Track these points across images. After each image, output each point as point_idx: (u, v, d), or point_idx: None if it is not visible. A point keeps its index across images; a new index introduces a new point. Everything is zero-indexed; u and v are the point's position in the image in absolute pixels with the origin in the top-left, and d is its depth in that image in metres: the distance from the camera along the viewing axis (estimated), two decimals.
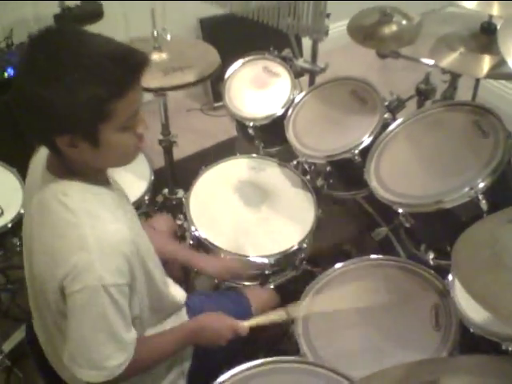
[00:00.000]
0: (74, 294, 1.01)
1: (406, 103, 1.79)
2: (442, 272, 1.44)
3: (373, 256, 1.55)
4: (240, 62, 2.05)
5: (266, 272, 1.66)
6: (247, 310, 1.50)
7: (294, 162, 1.90)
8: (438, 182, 1.44)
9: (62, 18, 1.90)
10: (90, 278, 1.00)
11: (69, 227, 1.03)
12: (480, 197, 1.34)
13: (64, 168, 1.07)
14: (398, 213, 1.62)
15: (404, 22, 1.77)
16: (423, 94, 1.78)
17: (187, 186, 1.83)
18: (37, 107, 0.96)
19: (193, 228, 1.67)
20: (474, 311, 1.27)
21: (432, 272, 1.45)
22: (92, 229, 1.02)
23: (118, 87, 0.97)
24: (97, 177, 1.11)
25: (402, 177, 1.51)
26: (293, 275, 1.74)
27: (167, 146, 2.11)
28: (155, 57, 1.90)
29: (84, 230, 1.02)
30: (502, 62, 1.43)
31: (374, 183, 1.53)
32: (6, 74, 2.14)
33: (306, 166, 1.80)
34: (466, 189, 1.35)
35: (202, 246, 1.66)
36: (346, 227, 1.96)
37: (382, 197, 1.49)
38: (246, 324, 1.36)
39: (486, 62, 1.50)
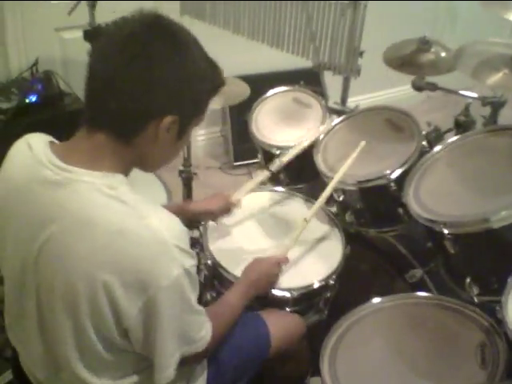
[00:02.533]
0: (161, 292, 0.93)
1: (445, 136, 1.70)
2: (486, 311, 1.29)
3: (410, 293, 1.43)
4: (270, 92, 1.99)
5: (287, 309, 1.50)
6: (263, 336, 1.34)
7: None
8: (484, 202, 1.32)
9: (92, 33, 1.90)
10: (174, 267, 0.94)
11: (130, 221, 0.92)
12: None
13: (112, 160, 0.97)
14: (434, 254, 1.51)
15: (443, 53, 1.72)
16: (462, 126, 1.68)
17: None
18: (164, 82, 0.94)
19: (208, 256, 1.54)
20: None
21: (476, 309, 1.30)
22: (158, 218, 0.95)
23: (218, 83, 1.03)
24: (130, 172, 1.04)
25: (445, 198, 1.39)
26: (316, 320, 1.58)
27: (187, 178, 2.03)
28: None
29: (149, 220, 0.93)
30: None
31: (413, 205, 1.40)
32: (27, 100, 2.17)
33: (335, 196, 1.67)
34: None
35: (218, 276, 1.52)
36: (375, 270, 1.81)
37: (422, 218, 1.36)
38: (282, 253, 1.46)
39: None
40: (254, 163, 2.85)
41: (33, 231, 0.97)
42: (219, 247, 1.57)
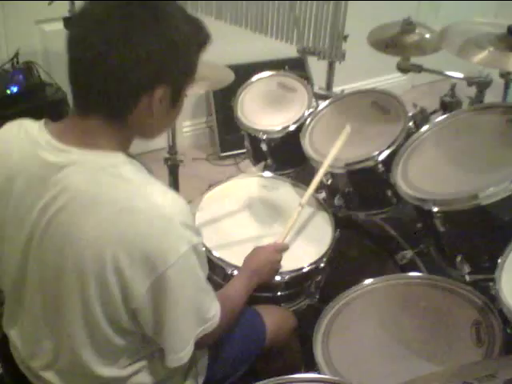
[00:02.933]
0: (169, 270, 0.92)
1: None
2: (478, 289, 1.29)
3: (402, 274, 1.43)
4: (255, 77, 1.97)
5: (278, 293, 1.50)
6: (260, 330, 1.33)
7: None
8: (473, 178, 1.31)
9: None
10: (181, 244, 0.93)
11: (135, 199, 0.92)
12: None
13: (107, 137, 0.95)
14: (424, 235, 1.50)
15: (427, 35, 1.72)
16: (448, 107, 1.68)
17: None
18: (149, 54, 0.90)
19: None
20: None
21: (469, 287, 1.30)
22: (163, 195, 0.95)
23: (204, 41, 0.99)
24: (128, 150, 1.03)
25: (433, 177, 1.38)
26: (307, 304, 1.58)
27: (173, 166, 2.00)
28: None
29: (154, 198, 0.93)
30: None
31: (401, 185, 1.39)
32: (8, 91, 2.15)
33: (324, 180, 1.66)
34: (505, 183, 1.21)
35: (211, 267, 1.47)
36: (366, 253, 1.80)
37: (411, 196, 1.35)
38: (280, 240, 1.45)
39: None
40: (240, 153, 2.85)
41: (36, 214, 0.95)
42: (210, 237, 1.55)
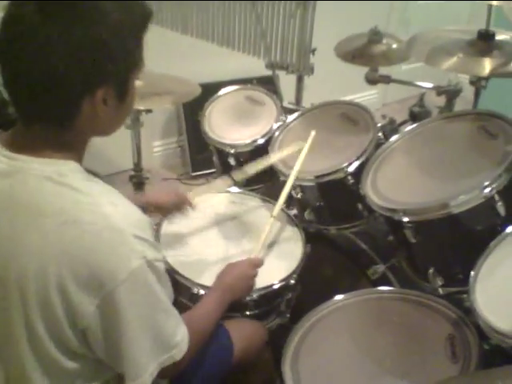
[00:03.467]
0: (119, 287, 0.84)
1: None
2: (452, 302, 1.24)
3: (373, 289, 1.38)
4: (222, 90, 1.93)
5: (247, 313, 1.42)
6: (227, 347, 1.25)
7: None
8: (444, 187, 1.27)
9: None
10: (133, 259, 0.85)
11: (83, 209, 0.85)
12: (496, 197, 1.16)
13: (56, 145, 0.89)
14: (396, 248, 1.46)
15: (394, 45, 1.70)
16: (417, 117, 1.65)
17: None
18: (76, 58, 0.83)
19: (166, 267, 1.41)
20: (503, 319, 1.04)
21: (442, 301, 1.25)
22: (113, 205, 0.87)
23: (141, 22, 0.90)
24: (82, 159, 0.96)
25: (404, 187, 1.35)
26: (278, 323, 1.51)
27: (138, 184, 1.94)
28: None
29: (105, 208, 0.86)
30: (504, 63, 1.34)
31: (371, 196, 1.35)
32: None
33: (294, 193, 1.61)
34: (477, 190, 1.18)
35: (179, 288, 1.39)
36: (337, 268, 1.75)
37: (381, 207, 1.31)
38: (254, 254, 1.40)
39: (488, 63, 1.40)
40: (212, 173, 2.80)
41: None
42: (176, 256, 1.48)
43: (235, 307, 1.39)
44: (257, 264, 1.39)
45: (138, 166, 1.96)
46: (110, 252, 0.84)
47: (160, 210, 1.49)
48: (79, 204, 0.86)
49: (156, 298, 0.91)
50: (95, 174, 0.99)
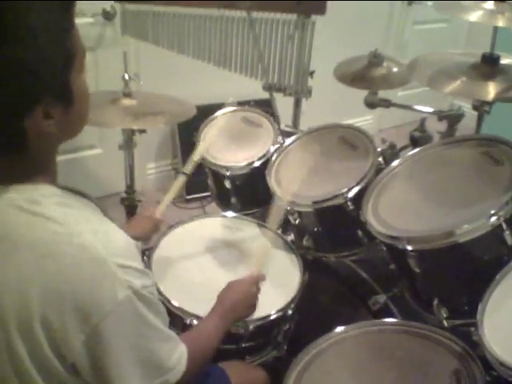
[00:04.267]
0: (105, 320, 0.79)
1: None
2: (457, 335, 1.19)
3: (375, 320, 1.31)
4: (218, 112, 1.89)
5: (242, 345, 1.37)
6: None
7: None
8: (448, 215, 1.22)
9: None
10: (119, 290, 0.79)
11: (60, 241, 0.79)
12: (503, 226, 1.11)
13: (21, 171, 0.82)
14: (398, 277, 1.40)
15: (395, 68, 1.67)
16: (418, 142, 1.61)
17: None
18: (11, 78, 0.74)
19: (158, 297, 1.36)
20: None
21: (447, 334, 1.19)
22: (93, 233, 0.81)
23: (66, 13, 0.79)
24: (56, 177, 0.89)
25: (406, 214, 1.29)
26: (274, 356, 1.45)
27: (130, 207, 1.88)
28: (125, 102, 1.75)
29: (84, 238, 0.80)
30: (509, 88, 1.31)
31: (373, 223, 1.30)
32: None
33: (291, 219, 1.56)
34: (483, 218, 1.13)
35: (172, 319, 1.33)
36: (337, 298, 1.69)
37: (384, 235, 1.25)
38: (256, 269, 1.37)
39: (492, 88, 1.37)
40: (207, 196, 2.75)
41: None
42: (168, 283, 1.42)
43: (231, 339, 1.33)
44: (258, 280, 1.35)
45: (130, 189, 1.90)
46: (93, 285, 0.78)
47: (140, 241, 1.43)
48: (56, 235, 0.79)
49: (147, 326, 0.85)
50: (85, 196, 0.93)
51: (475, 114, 1.63)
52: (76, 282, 0.78)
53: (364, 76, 1.65)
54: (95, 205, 0.95)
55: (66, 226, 0.80)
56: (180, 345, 0.94)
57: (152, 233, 1.49)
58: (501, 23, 1.39)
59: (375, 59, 1.65)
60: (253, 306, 1.31)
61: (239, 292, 1.28)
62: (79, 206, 0.87)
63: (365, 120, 3.58)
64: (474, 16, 1.41)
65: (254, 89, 2.09)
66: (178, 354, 0.92)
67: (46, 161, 0.86)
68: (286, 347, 1.46)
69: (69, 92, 0.82)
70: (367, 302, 1.54)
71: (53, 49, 0.78)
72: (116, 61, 1.76)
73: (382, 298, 1.52)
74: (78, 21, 0.83)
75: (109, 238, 0.82)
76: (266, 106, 2.08)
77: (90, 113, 0.91)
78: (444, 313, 1.26)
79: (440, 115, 1.57)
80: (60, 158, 0.91)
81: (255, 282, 1.33)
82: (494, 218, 1.13)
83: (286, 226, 1.68)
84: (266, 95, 2.05)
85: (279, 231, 1.66)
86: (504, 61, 1.53)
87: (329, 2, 1.77)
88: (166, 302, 1.36)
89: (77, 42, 0.82)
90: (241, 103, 2.00)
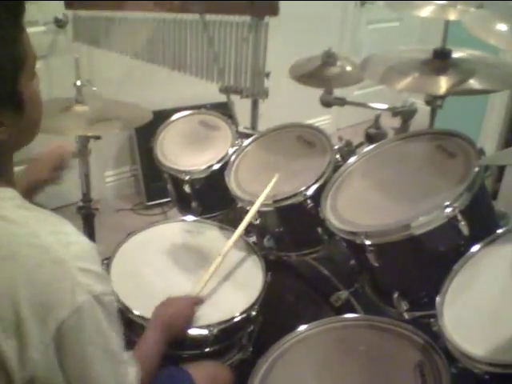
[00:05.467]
0: (64, 325, 0.77)
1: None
2: (419, 327, 1.20)
3: (337, 317, 1.31)
4: (174, 116, 1.87)
5: (207, 349, 1.35)
6: None
7: None
8: (405, 208, 1.24)
9: None
10: (78, 293, 0.78)
11: (19, 242, 0.78)
12: (459, 217, 1.13)
13: None
14: (358, 272, 1.42)
15: (348, 67, 1.69)
16: (373, 138, 1.63)
17: None
18: None
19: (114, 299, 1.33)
20: (473, 344, 1.00)
21: (409, 326, 1.20)
22: (54, 235, 0.80)
23: (14, 19, 0.78)
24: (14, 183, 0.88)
25: (364, 209, 1.31)
26: (240, 358, 1.43)
27: (87, 215, 1.84)
28: (78, 108, 1.71)
29: (45, 239, 0.79)
30: (460, 81, 1.34)
31: (332, 220, 1.30)
32: None
33: (252, 220, 1.55)
34: (438, 210, 1.15)
35: (127, 322, 1.31)
36: (300, 296, 1.69)
37: (342, 231, 1.26)
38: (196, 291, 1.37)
39: (443, 82, 1.39)
40: (168, 202, 2.72)
41: None
42: (128, 291, 1.38)
43: (195, 344, 1.33)
44: (196, 303, 1.36)
45: (86, 197, 1.85)
46: (52, 288, 0.77)
47: (49, 182, 1.39)
48: (15, 237, 0.79)
49: (105, 337, 0.83)
50: (39, 206, 0.91)
51: (429, 108, 1.67)
52: (34, 284, 0.77)
53: (319, 75, 1.67)
54: None
55: (25, 227, 0.80)
56: (133, 365, 0.93)
57: (59, 170, 1.41)
58: (452, 16, 1.42)
59: (329, 58, 1.67)
60: (187, 326, 1.32)
61: (176, 312, 1.29)
62: (38, 209, 0.85)
63: (323, 120, 3.62)
64: (426, 11, 1.44)
65: (211, 92, 2.07)
66: (131, 374, 0.92)
67: (2, 165, 0.85)
68: (251, 349, 1.45)
69: (19, 98, 0.82)
70: (329, 299, 1.55)
71: (1, 54, 0.77)
72: (69, 68, 1.73)
73: (344, 295, 1.52)
74: (30, 30, 0.81)
75: (69, 241, 0.81)
76: (223, 109, 2.08)
77: (42, 121, 0.90)
78: (404, 305, 1.27)
79: (394, 111, 1.60)
80: (14, 169, 0.89)
81: (192, 306, 1.34)
82: (449, 210, 1.15)
83: (247, 226, 1.68)
84: (223, 98, 2.04)
85: None
86: (456, 54, 1.56)
87: (282, 3, 1.79)
88: (126, 310, 1.33)
89: (27, 48, 0.82)
90: (198, 107, 1.99)
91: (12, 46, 0.78)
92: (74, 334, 0.79)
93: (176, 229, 1.67)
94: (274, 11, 1.72)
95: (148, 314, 1.31)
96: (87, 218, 1.86)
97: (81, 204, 1.86)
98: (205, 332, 1.31)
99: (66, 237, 0.82)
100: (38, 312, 0.76)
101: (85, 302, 0.78)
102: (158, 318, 1.26)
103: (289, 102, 2.75)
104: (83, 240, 0.84)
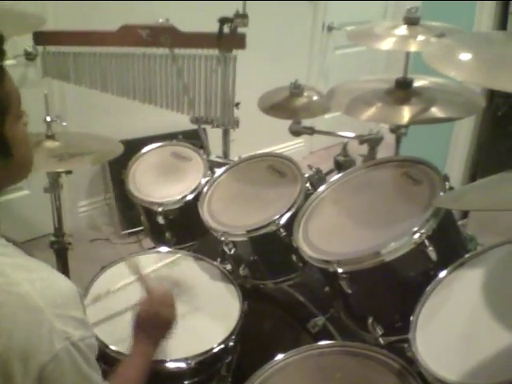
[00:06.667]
0: (43, 372, 0.78)
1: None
2: (395, 351, 1.21)
3: (313, 344, 1.31)
4: (145, 148, 1.88)
5: (186, 382, 1.34)
6: None
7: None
8: (374, 235, 1.27)
9: None
10: (56, 341, 0.79)
11: None
12: (426, 242, 1.17)
13: None
14: (333, 298, 1.43)
15: (315, 97, 1.73)
16: (342, 166, 1.67)
17: None
18: None
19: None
20: (446, 368, 1.02)
21: (384, 351, 1.21)
22: (30, 282, 0.80)
23: None
24: None
25: (335, 237, 1.33)
26: None
27: (60, 250, 1.82)
28: (48, 144, 1.71)
29: (21, 287, 0.79)
30: (423, 110, 1.38)
31: (304, 248, 1.33)
32: None
33: (227, 250, 1.56)
34: (406, 236, 1.19)
35: (106, 359, 1.30)
36: (277, 324, 1.70)
37: (315, 259, 1.28)
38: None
39: (406, 111, 1.44)
40: (141, 230, 2.71)
41: None
42: (104, 328, 1.38)
43: (173, 378, 1.32)
44: (171, 299, 1.27)
45: (59, 231, 1.84)
46: (30, 335, 0.78)
47: None
48: None
49: (85, 378, 0.84)
50: (12, 242, 0.90)
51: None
52: (11, 332, 0.77)
53: (286, 106, 1.71)
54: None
55: (2, 275, 0.80)
56: None
57: None
58: (413, 48, 1.45)
59: (296, 90, 1.71)
60: (170, 320, 1.23)
61: (147, 317, 1.21)
62: (16, 255, 0.86)
63: (296, 144, 3.66)
64: (387, 44, 1.48)
65: (183, 120, 2.10)
66: None
67: None
68: (230, 379, 1.45)
69: (5, 143, 0.83)
70: (306, 325, 1.56)
71: None
72: (39, 102, 1.73)
73: (320, 321, 1.53)
74: None
75: (47, 286, 0.81)
76: (194, 137, 2.10)
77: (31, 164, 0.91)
78: (379, 330, 1.29)
79: (361, 139, 1.64)
80: None
81: (153, 301, 1.25)
82: (416, 236, 1.18)
83: (222, 255, 1.69)
84: (194, 126, 2.06)
85: (217, 262, 1.67)
86: (418, 83, 1.60)
87: (249, 34, 1.83)
88: (103, 346, 1.32)
89: (10, 90, 0.83)
90: (169, 135, 2.00)
91: None
92: (56, 378, 0.79)
93: (150, 260, 1.66)
94: (241, 45, 1.76)
95: (123, 348, 1.30)
96: (60, 253, 1.84)
97: (53, 239, 1.84)
98: (182, 365, 1.31)
99: (43, 283, 0.82)
100: (20, 356, 0.77)
101: (62, 348, 0.79)
102: (135, 336, 1.20)
103: (260, 129, 2.79)
104: (62, 284, 0.84)
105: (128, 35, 1.82)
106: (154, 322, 1.21)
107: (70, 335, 0.80)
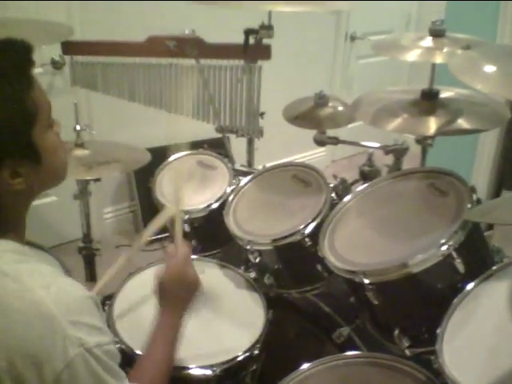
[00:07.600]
0: (61, 376, 0.79)
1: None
2: (421, 363, 1.21)
3: (339, 354, 1.31)
4: (172, 157, 1.91)
5: None
6: None
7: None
8: (401, 246, 1.26)
9: None
10: (70, 347, 0.79)
11: (12, 296, 0.79)
12: (454, 254, 1.16)
13: None
14: (359, 309, 1.43)
15: (340, 107, 1.74)
16: (367, 176, 1.67)
17: None
18: None
19: (119, 342, 1.35)
20: (473, 381, 1.02)
21: (410, 363, 1.21)
22: (45, 289, 0.81)
23: (21, 75, 0.81)
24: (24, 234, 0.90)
25: (361, 248, 1.33)
26: None
27: (88, 256, 1.85)
28: (78, 152, 1.75)
29: (35, 293, 0.80)
30: (449, 121, 1.38)
31: (330, 258, 1.33)
32: None
33: (251, 258, 1.57)
34: (434, 248, 1.18)
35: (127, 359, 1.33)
36: (302, 333, 1.70)
37: (341, 269, 1.28)
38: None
39: (432, 122, 1.43)
40: (167, 237, 2.74)
41: None
42: (131, 332, 1.39)
43: None
44: (189, 258, 1.23)
45: (87, 238, 1.88)
46: (44, 342, 0.79)
47: None
48: (7, 291, 0.80)
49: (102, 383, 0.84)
50: (39, 247, 0.93)
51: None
52: (26, 339, 0.78)
53: (311, 116, 1.72)
54: (54, 258, 0.95)
55: (18, 281, 0.81)
56: None
57: None
58: (439, 60, 1.44)
59: (320, 100, 1.72)
60: (195, 279, 1.20)
61: (172, 280, 1.18)
62: (36, 261, 0.88)
63: (318, 153, 3.67)
64: (412, 55, 1.48)
65: (208, 129, 2.12)
66: None
67: (15, 216, 0.88)
68: None
69: (34, 150, 0.85)
70: (331, 335, 1.56)
71: (10, 112, 0.80)
72: (67, 111, 1.76)
73: (345, 331, 1.54)
74: None
75: (61, 293, 0.83)
76: (219, 146, 2.12)
77: (65, 171, 0.94)
78: (406, 342, 1.28)
79: (386, 150, 1.64)
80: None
81: (180, 259, 1.21)
82: (444, 248, 1.18)
83: (247, 264, 1.70)
84: (217, 134, 2.08)
85: (241, 270, 1.68)
86: (444, 94, 1.60)
87: (274, 46, 1.85)
88: (130, 351, 1.34)
89: (39, 99, 0.84)
90: (194, 144, 2.03)
91: (21, 103, 0.81)
92: None
93: None
94: (267, 56, 1.78)
95: None
96: (88, 259, 1.87)
97: (82, 245, 1.87)
98: (208, 372, 1.32)
99: (58, 290, 0.83)
100: (34, 364, 0.78)
101: (77, 355, 0.80)
102: (162, 302, 1.17)
103: (284, 138, 2.81)
104: (76, 290, 0.85)
105: (155, 46, 1.86)
106: (182, 282, 1.17)
107: (84, 342, 0.81)
